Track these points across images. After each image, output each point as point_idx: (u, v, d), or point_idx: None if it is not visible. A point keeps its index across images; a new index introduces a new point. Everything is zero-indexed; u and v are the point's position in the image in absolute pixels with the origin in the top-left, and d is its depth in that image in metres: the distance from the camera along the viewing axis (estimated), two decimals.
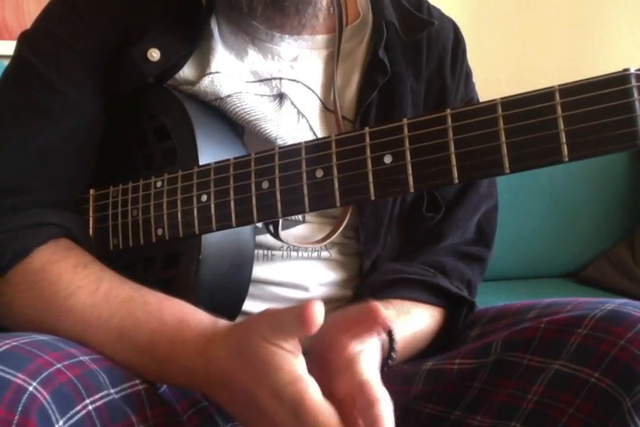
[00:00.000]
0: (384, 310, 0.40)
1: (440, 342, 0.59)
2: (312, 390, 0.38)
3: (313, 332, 0.38)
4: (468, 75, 0.67)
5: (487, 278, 0.67)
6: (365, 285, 0.60)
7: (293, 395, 0.38)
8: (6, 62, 0.60)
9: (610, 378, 0.45)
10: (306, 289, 0.59)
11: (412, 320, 0.57)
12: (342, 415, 0.39)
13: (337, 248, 0.61)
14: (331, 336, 0.42)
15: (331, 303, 0.60)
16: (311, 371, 0.43)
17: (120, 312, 0.47)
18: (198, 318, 0.46)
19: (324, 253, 0.61)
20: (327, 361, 0.42)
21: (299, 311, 0.38)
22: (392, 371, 0.53)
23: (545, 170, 1.44)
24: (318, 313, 0.38)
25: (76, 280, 0.49)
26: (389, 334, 0.52)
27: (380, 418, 0.37)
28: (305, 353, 0.42)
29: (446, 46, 0.64)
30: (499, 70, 1.48)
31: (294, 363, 0.39)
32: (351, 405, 0.39)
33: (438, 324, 0.59)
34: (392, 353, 0.52)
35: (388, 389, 0.54)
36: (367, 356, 0.42)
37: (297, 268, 0.60)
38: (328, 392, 0.40)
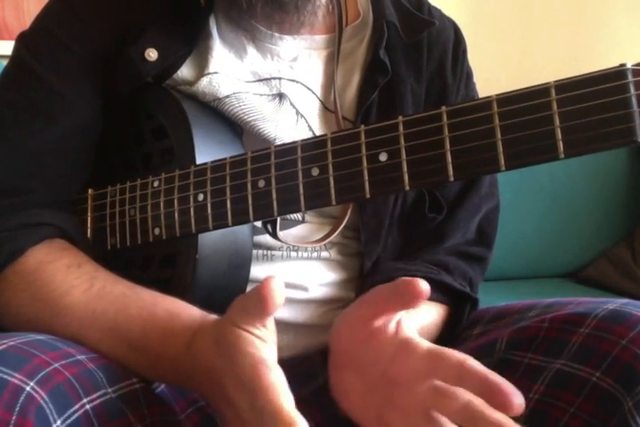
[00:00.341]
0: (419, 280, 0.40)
1: (443, 338, 0.59)
2: (271, 376, 0.37)
3: (272, 309, 0.38)
4: (469, 75, 0.67)
5: (488, 278, 0.67)
6: (368, 284, 0.60)
7: (251, 378, 0.37)
8: (6, 62, 0.60)
9: (611, 378, 0.45)
10: (306, 289, 0.59)
11: (419, 316, 0.57)
12: (402, 399, 0.39)
13: (337, 248, 0.61)
14: (360, 328, 0.42)
15: (331, 304, 0.60)
16: (337, 373, 0.43)
17: (114, 307, 0.47)
18: (189, 312, 0.46)
19: (324, 254, 0.61)
20: (366, 354, 0.42)
21: (258, 290, 0.38)
22: None
23: (545, 170, 1.43)
24: (275, 290, 0.38)
25: (70, 279, 0.49)
26: None
27: (481, 369, 0.38)
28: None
29: (447, 46, 0.64)
30: (499, 70, 1.47)
31: (260, 348, 0.39)
32: (418, 383, 0.39)
33: (443, 320, 0.59)
34: None
35: None
36: (411, 329, 0.42)
37: (297, 268, 0.59)
38: (371, 385, 0.39)
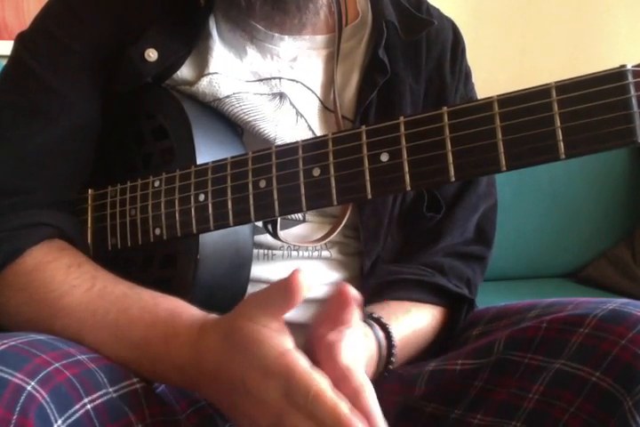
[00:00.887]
0: (349, 287, 0.41)
1: (442, 340, 0.59)
2: (302, 363, 0.38)
3: (298, 301, 0.38)
4: (468, 75, 0.67)
5: (487, 278, 0.67)
6: (363, 288, 0.60)
7: (282, 368, 0.38)
8: (6, 62, 0.60)
9: (611, 378, 0.45)
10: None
11: (412, 319, 0.57)
12: None
13: (337, 248, 0.61)
14: (313, 331, 0.43)
15: None
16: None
17: (115, 308, 0.47)
18: (190, 311, 0.46)
19: (325, 253, 0.61)
20: (310, 357, 0.42)
21: (283, 284, 0.39)
22: (394, 373, 0.53)
23: (545, 170, 1.43)
24: (303, 282, 0.38)
25: (70, 280, 0.49)
26: (388, 337, 0.52)
27: (368, 405, 0.37)
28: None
29: (445, 46, 0.64)
30: (498, 70, 1.47)
31: (281, 339, 0.39)
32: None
33: (438, 322, 0.59)
34: (391, 358, 0.52)
35: (391, 390, 0.54)
36: (347, 343, 0.42)
37: (297, 267, 0.59)
38: None
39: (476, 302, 0.63)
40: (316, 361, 0.41)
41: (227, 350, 0.41)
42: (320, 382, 0.37)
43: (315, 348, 0.42)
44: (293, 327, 0.57)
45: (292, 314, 0.57)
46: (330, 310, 0.43)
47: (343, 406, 0.36)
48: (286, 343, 0.39)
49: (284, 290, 0.39)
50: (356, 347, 0.43)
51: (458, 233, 0.63)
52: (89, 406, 0.40)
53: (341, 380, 0.39)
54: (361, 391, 0.38)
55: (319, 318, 0.43)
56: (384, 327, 0.52)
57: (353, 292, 0.41)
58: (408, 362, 0.56)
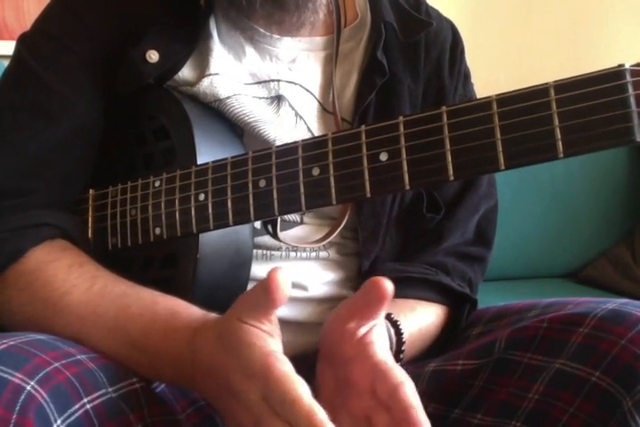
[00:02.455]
0: (387, 281, 0.40)
1: (444, 339, 0.59)
2: (280, 366, 0.37)
3: (279, 300, 0.38)
4: (467, 75, 0.67)
5: (487, 278, 0.67)
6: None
7: (261, 369, 0.37)
8: (6, 62, 0.60)
9: (610, 377, 0.45)
10: (305, 288, 0.59)
11: (417, 317, 0.57)
12: (352, 401, 0.39)
13: (335, 248, 0.62)
14: (338, 327, 0.42)
15: (331, 302, 0.60)
16: (320, 367, 0.43)
17: (114, 306, 0.47)
18: (189, 310, 0.46)
19: (323, 253, 0.61)
20: (336, 353, 0.42)
21: (264, 283, 0.38)
22: None
23: (545, 169, 1.43)
24: (281, 281, 0.38)
25: (71, 279, 0.49)
26: (398, 333, 0.52)
27: (409, 400, 0.37)
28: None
29: (444, 47, 0.64)
30: (498, 71, 1.48)
31: (267, 340, 0.39)
32: (365, 389, 0.39)
33: (442, 321, 0.59)
34: (400, 355, 0.52)
35: None
36: (378, 339, 0.42)
37: (296, 267, 0.60)
38: (336, 383, 0.39)
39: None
40: (341, 357, 0.41)
41: (219, 349, 0.41)
42: (298, 387, 0.36)
43: (341, 343, 0.42)
44: (291, 326, 0.58)
45: (291, 313, 0.58)
46: (361, 304, 0.42)
47: (319, 413, 0.35)
48: (272, 345, 0.39)
49: (263, 290, 0.39)
50: (385, 342, 0.43)
51: (458, 234, 0.63)
52: (88, 406, 0.40)
53: (381, 375, 0.39)
54: (401, 386, 0.38)
55: (344, 312, 0.43)
56: (394, 324, 0.53)
57: (389, 286, 0.40)
58: (410, 361, 0.56)
